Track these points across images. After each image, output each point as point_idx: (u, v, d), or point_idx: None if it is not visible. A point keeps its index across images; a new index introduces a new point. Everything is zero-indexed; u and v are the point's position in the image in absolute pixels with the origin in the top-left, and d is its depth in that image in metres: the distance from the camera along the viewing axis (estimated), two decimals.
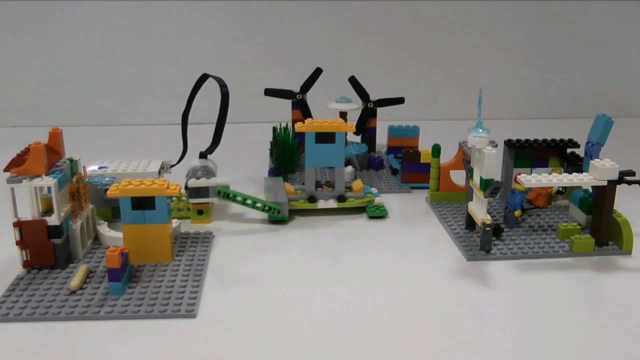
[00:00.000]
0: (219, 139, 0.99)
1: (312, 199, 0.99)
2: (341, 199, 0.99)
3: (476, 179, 0.88)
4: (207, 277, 0.80)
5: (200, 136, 1.09)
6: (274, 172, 1.14)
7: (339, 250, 0.89)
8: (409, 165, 1.13)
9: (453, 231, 0.94)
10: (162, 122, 1.56)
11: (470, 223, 0.93)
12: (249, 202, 0.95)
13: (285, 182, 1.04)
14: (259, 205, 0.95)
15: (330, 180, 1.04)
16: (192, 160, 1.01)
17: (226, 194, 0.93)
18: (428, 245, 0.91)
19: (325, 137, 0.96)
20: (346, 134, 1.23)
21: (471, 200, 0.92)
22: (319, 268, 0.84)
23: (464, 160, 0.99)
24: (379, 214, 0.99)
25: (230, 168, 1.03)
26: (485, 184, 0.85)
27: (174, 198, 0.99)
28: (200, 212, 0.97)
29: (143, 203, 0.80)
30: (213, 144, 0.99)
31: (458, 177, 1.06)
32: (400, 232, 0.95)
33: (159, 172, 0.96)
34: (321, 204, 1.00)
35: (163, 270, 0.80)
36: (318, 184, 1.02)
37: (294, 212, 1.01)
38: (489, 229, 0.86)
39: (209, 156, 1.01)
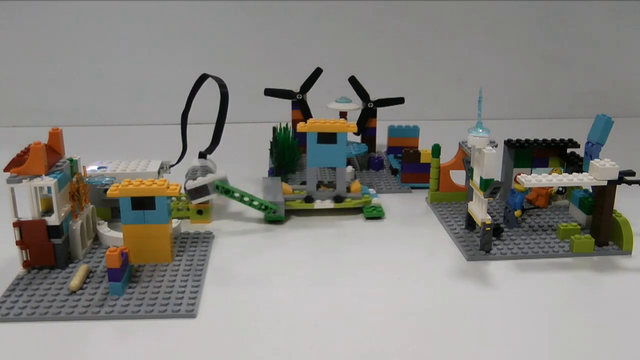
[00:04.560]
0: (218, 139, 0.99)
1: (309, 199, 0.99)
2: (338, 199, 1.00)
3: (476, 179, 0.88)
4: (207, 277, 0.80)
5: (200, 136, 1.09)
6: (274, 172, 1.14)
7: (339, 250, 0.89)
8: (409, 165, 1.13)
9: (453, 231, 0.94)
10: (161, 122, 1.56)
11: (470, 223, 0.93)
12: (246, 199, 0.95)
13: (283, 182, 1.04)
14: (255, 203, 0.95)
15: (332, 181, 1.04)
16: (192, 160, 1.01)
17: (224, 189, 0.93)
18: (428, 245, 0.91)
19: (327, 138, 0.96)
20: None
21: (471, 200, 0.92)
22: (318, 268, 0.84)
23: (464, 160, 0.99)
24: (375, 214, 0.99)
25: (230, 168, 1.03)
26: (485, 184, 0.85)
27: (173, 198, 0.99)
28: (199, 212, 0.97)
29: (143, 203, 0.80)
30: (212, 144, 1.00)
31: (458, 177, 1.06)
32: (400, 232, 0.95)
33: (159, 172, 0.96)
34: (318, 205, 1.00)
35: (163, 270, 0.80)
36: (318, 185, 1.02)
37: (291, 212, 1.01)
38: (489, 228, 0.85)
39: (208, 156, 1.01)
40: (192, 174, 0.96)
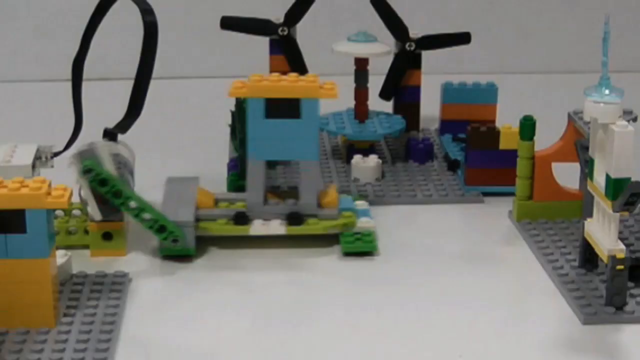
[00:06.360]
0: (139, 106, 1.01)
1: (240, 219, 0.99)
2: (294, 218, 0.99)
3: (600, 179, 0.87)
4: (117, 353, 0.80)
5: (115, 98, 1.11)
6: (237, 165, 1.13)
7: (345, 303, 0.90)
8: (479, 154, 1.14)
9: (558, 271, 0.94)
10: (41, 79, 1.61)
11: (588, 257, 0.93)
12: (132, 204, 0.94)
13: (201, 187, 1.04)
14: (146, 217, 0.94)
15: (293, 186, 1.06)
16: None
17: (99, 178, 0.92)
18: (513, 297, 0.92)
19: (284, 108, 0.96)
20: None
21: (591, 216, 0.91)
22: (314, 323, 0.85)
23: (578, 144, 0.98)
24: (361, 248, 0.99)
25: (167, 159, 1.02)
26: (616, 187, 0.84)
27: (60, 212, 0.99)
28: (107, 236, 0.97)
29: (4, 222, 0.79)
30: (129, 115, 1.01)
31: (567, 174, 1.06)
32: (463, 273, 0.96)
33: (33, 166, 0.96)
34: (256, 228, 0.99)
35: (40, 342, 0.80)
36: (266, 192, 1.03)
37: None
38: (622, 267, 0.85)
39: (120, 136, 1.02)
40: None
